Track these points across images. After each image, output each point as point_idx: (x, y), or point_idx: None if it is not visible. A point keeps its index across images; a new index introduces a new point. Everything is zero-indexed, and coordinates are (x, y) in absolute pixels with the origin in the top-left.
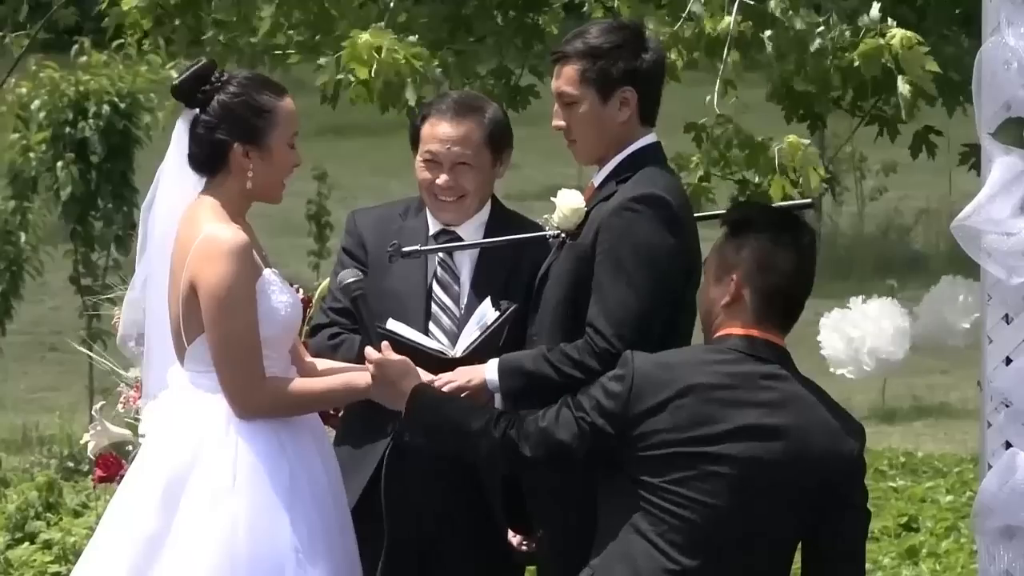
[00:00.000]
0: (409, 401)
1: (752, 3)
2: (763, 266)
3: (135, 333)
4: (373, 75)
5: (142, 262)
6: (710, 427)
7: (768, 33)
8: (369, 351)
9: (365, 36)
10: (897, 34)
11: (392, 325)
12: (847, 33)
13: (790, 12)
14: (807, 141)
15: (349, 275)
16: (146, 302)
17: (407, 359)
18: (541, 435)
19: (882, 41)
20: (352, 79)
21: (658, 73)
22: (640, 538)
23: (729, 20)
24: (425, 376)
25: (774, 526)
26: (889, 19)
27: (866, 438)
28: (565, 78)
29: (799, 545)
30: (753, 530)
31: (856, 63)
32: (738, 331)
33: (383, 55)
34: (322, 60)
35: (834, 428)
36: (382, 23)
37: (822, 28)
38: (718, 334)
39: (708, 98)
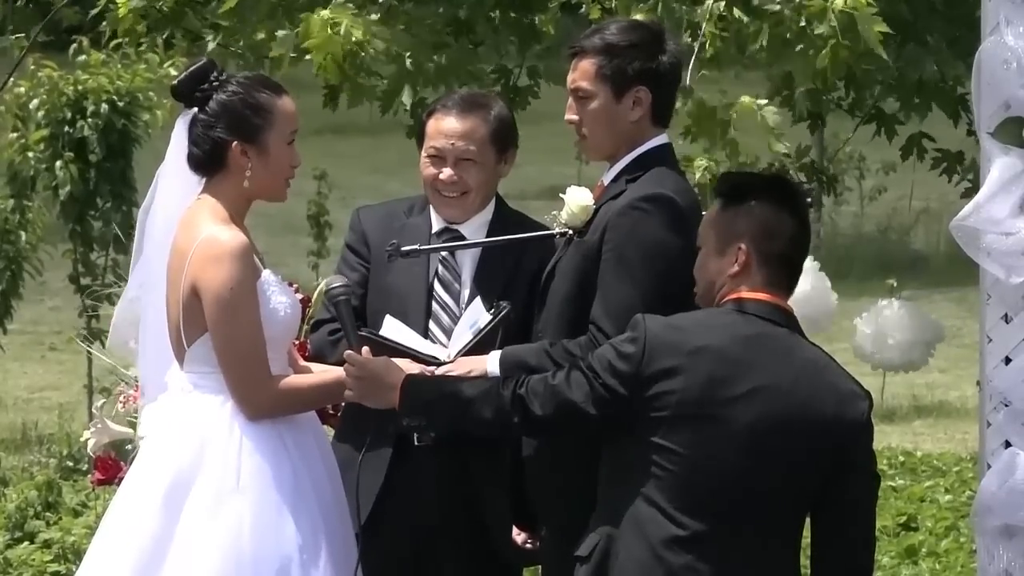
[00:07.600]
0: (403, 386)
1: None
2: (769, 232)
3: (133, 333)
4: (331, 57)
5: (139, 264)
6: (722, 389)
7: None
8: (349, 353)
9: (324, 12)
10: None
11: (389, 323)
12: None
13: None
14: (764, 102)
15: (335, 280)
16: (143, 306)
17: (387, 357)
18: (551, 393)
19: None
20: (311, 58)
21: (674, 76)
22: (647, 504)
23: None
24: (417, 370)
25: (783, 489)
26: None
27: (873, 403)
28: (581, 72)
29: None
30: (762, 493)
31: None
32: (747, 295)
33: (342, 34)
34: (280, 32)
35: (843, 392)
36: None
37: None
38: (726, 299)
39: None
